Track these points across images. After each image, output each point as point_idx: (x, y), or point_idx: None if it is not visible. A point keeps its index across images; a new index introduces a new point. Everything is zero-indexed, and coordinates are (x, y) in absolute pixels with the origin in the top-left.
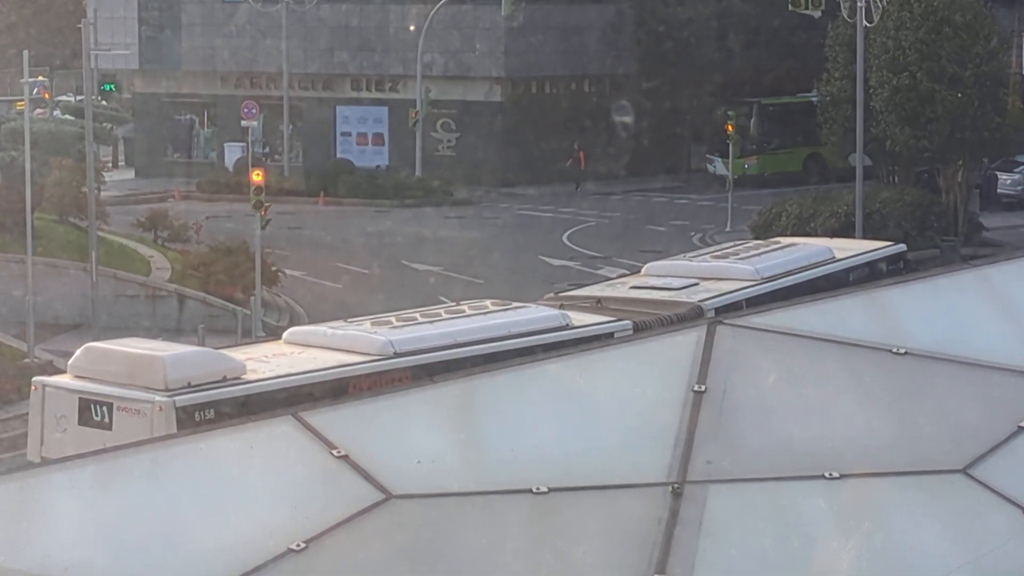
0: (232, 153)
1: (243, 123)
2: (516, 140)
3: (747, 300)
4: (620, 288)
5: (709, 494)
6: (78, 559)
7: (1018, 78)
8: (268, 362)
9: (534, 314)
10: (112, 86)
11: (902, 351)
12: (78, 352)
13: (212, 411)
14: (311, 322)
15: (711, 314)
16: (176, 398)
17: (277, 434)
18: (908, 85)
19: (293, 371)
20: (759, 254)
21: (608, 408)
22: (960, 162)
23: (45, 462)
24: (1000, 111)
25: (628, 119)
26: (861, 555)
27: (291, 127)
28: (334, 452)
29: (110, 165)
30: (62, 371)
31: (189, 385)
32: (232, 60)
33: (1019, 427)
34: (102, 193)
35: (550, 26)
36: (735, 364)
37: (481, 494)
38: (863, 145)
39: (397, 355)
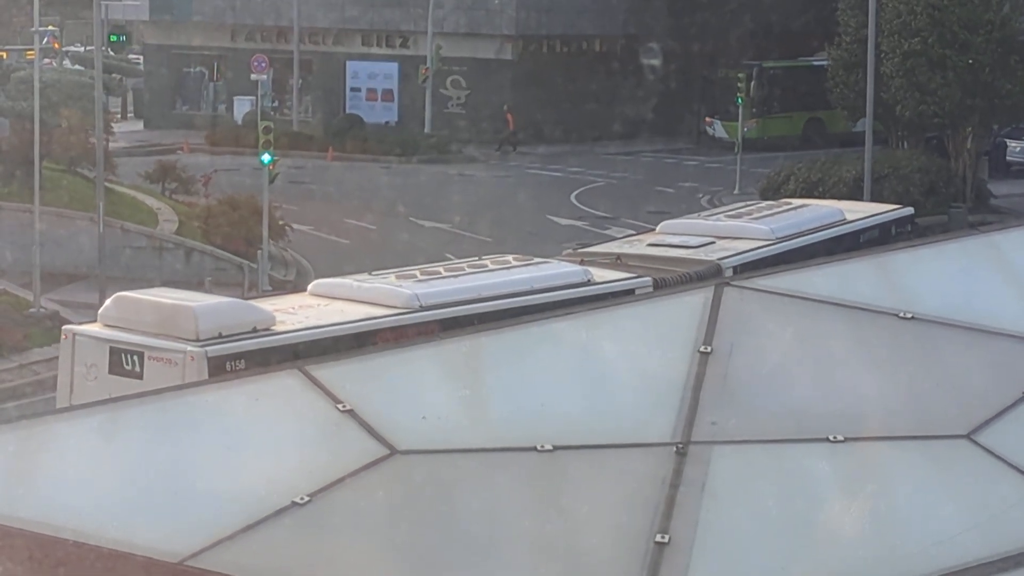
0: (241, 106)
1: (252, 77)
2: (526, 98)
3: (763, 259)
4: (637, 245)
5: (713, 455)
6: (82, 509)
7: None
8: (296, 314)
9: (556, 269)
10: (121, 37)
11: (909, 315)
12: (108, 301)
13: (243, 362)
14: (317, 277)
15: (729, 272)
16: (208, 348)
17: (283, 387)
18: (919, 50)
19: (321, 323)
20: (772, 214)
21: (614, 367)
22: (969, 129)
23: (55, 411)
24: (1011, 77)
25: (651, 69)
26: (864, 519)
27: (300, 82)
28: (340, 406)
29: (119, 116)
30: (67, 320)
31: (220, 336)
32: (243, 13)
33: None
34: (110, 144)
35: None
36: (741, 326)
37: (485, 451)
38: (872, 110)
39: (423, 308)
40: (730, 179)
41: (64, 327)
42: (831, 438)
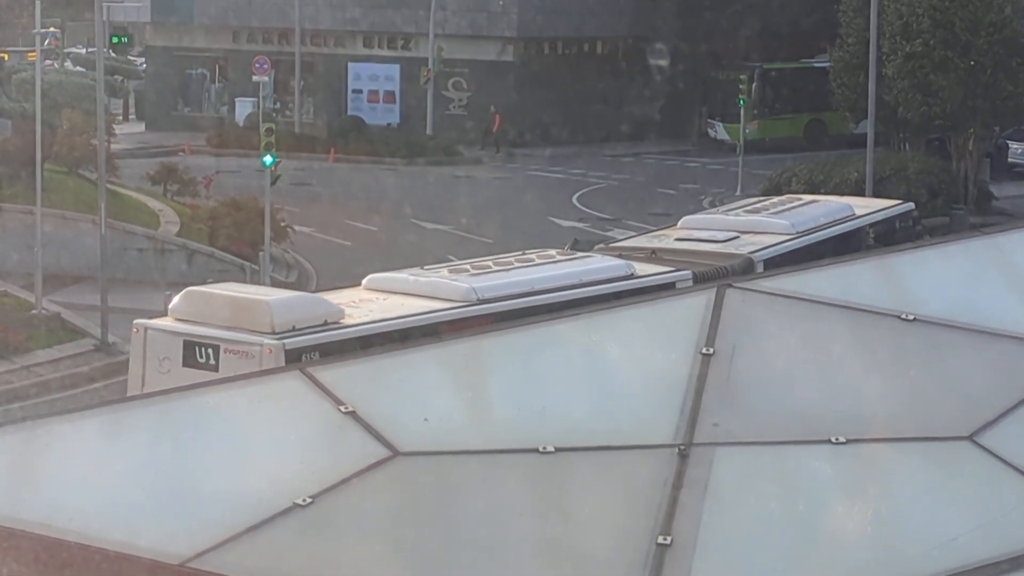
0: (243, 108)
1: (254, 78)
2: (527, 100)
3: (789, 253)
4: (665, 240)
5: (715, 456)
6: (85, 510)
7: None
8: (359, 307)
9: (601, 263)
10: (123, 38)
11: (911, 317)
12: (179, 296)
13: (316, 353)
14: (320, 279)
15: (760, 266)
16: (285, 340)
17: (285, 389)
18: (921, 52)
19: (387, 316)
20: (789, 209)
21: (616, 369)
22: (971, 130)
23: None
24: (1013, 80)
25: (653, 70)
26: (866, 520)
27: (302, 83)
28: (341, 408)
29: (120, 118)
30: (71, 324)
31: (294, 328)
32: (245, 15)
33: None
34: (112, 146)
35: None
36: (744, 327)
37: (487, 452)
38: (874, 112)
39: (480, 301)
40: (732, 181)
41: (135, 321)
42: (833, 440)
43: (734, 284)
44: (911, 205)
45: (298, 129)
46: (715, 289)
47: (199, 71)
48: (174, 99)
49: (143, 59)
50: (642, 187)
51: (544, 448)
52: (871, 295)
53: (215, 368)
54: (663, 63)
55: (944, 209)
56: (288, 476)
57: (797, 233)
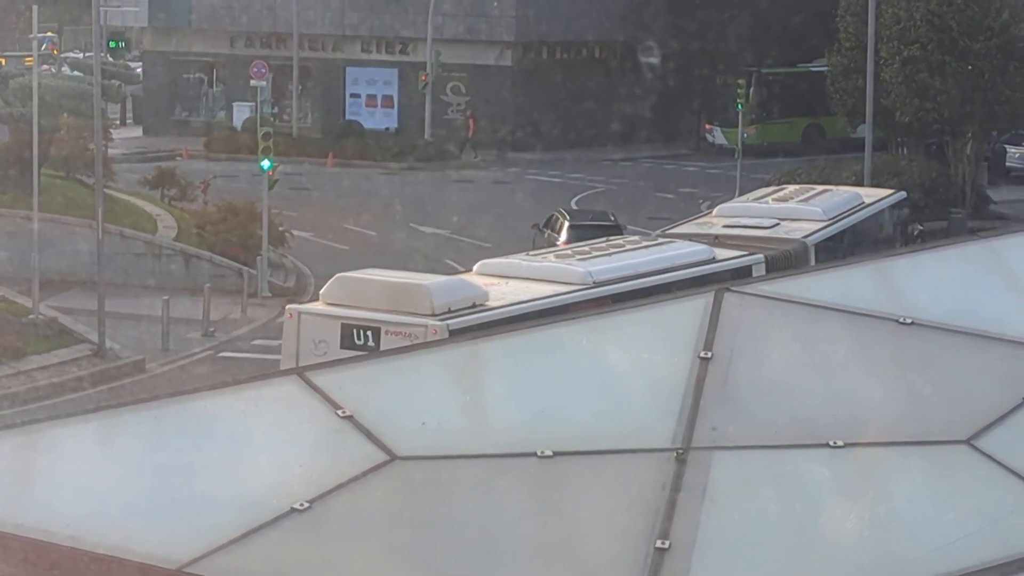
0: (240, 112)
1: (252, 83)
2: (525, 104)
3: (829, 238)
4: (712, 227)
5: (713, 460)
6: (80, 516)
7: None
8: (490, 291)
9: (687, 249)
10: (120, 43)
11: (908, 321)
12: (330, 282)
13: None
14: (317, 283)
15: (811, 249)
16: (448, 321)
17: (282, 393)
18: (918, 57)
19: (520, 299)
20: (815, 196)
21: (614, 373)
22: (969, 135)
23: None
24: (1010, 84)
25: (650, 74)
26: (864, 524)
27: (300, 88)
28: (339, 412)
29: (118, 122)
30: (68, 328)
31: (449, 311)
32: (242, 19)
33: None
34: (109, 150)
35: None
36: (742, 331)
37: (485, 457)
38: (872, 116)
39: (595, 284)
40: (730, 184)
41: (288, 306)
42: (831, 443)
43: (732, 288)
44: (904, 193)
45: (296, 134)
46: (713, 293)
47: (196, 75)
48: (171, 104)
49: (140, 64)
50: (640, 191)
51: (542, 452)
52: (868, 299)
53: (376, 349)
54: (660, 67)
55: (942, 213)
56: (286, 480)
57: (830, 219)
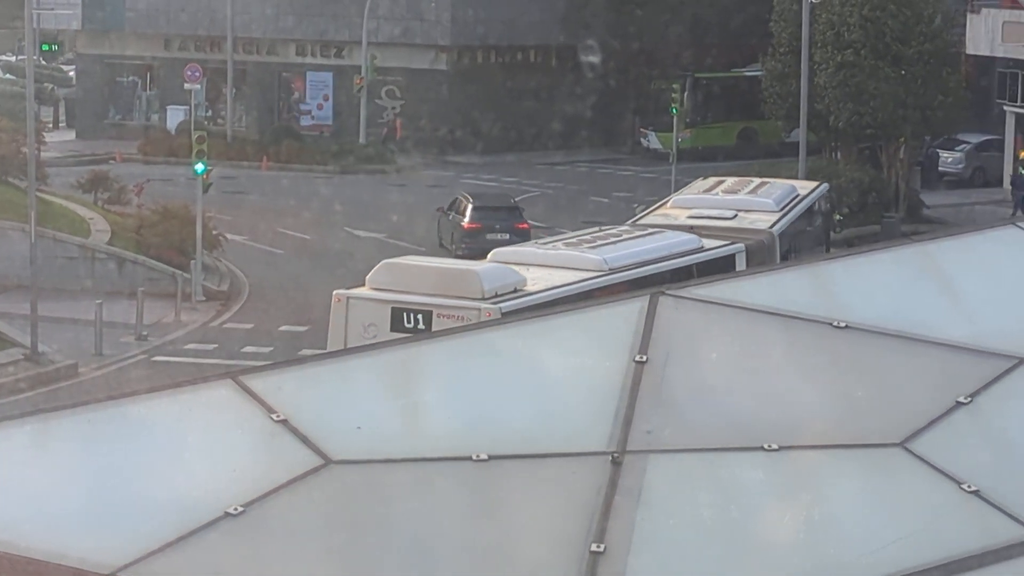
0: (174, 116)
1: (186, 86)
2: (462, 108)
3: (787, 228)
4: (674, 219)
5: (648, 464)
6: (13, 520)
7: (962, 57)
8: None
9: (680, 238)
10: (53, 46)
11: (843, 325)
12: (377, 268)
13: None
14: (252, 287)
15: (776, 238)
16: (500, 305)
17: (216, 397)
18: (852, 62)
19: (553, 284)
20: (760, 188)
21: (549, 377)
22: (902, 139)
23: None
24: (943, 89)
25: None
26: (799, 527)
27: (234, 91)
28: (273, 416)
29: (51, 125)
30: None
31: (496, 295)
32: (176, 22)
33: (957, 402)
34: (42, 153)
35: None
36: (677, 335)
37: (421, 460)
38: (806, 120)
39: (611, 271)
40: (665, 189)
41: (336, 291)
42: (766, 447)
43: (667, 292)
44: (827, 185)
45: (230, 137)
46: (648, 296)
47: (130, 79)
48: (105, 107)
49: (74, 66)
50: (576, 195)
51: (477, 456)
52: (803, 302)
53: (426, 332)
54: (596, 72)
55: (875, 217)
56: (219, 485)
57: (780, 209)
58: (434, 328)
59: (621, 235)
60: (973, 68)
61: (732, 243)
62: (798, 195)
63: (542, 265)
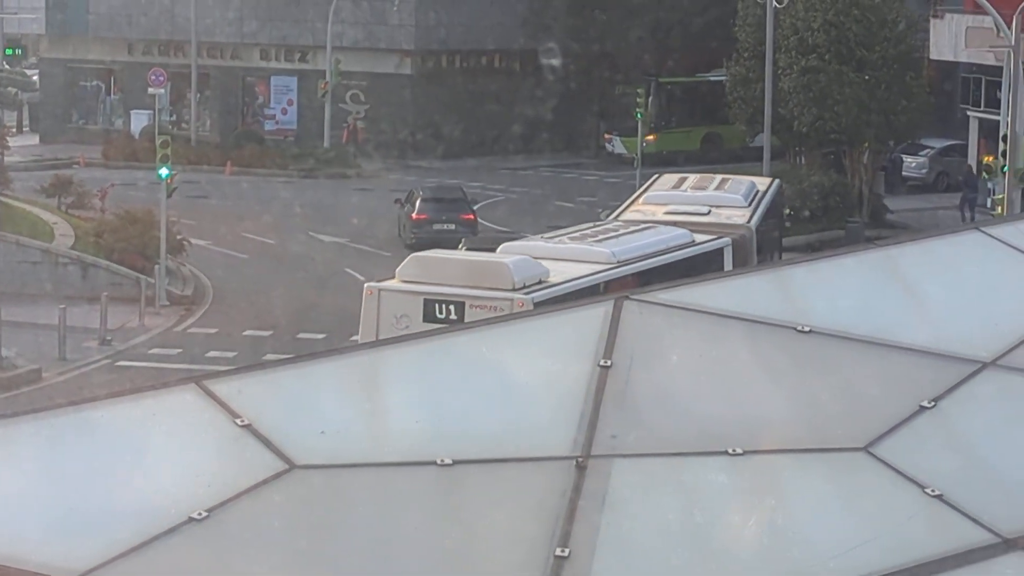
0: (138, 120)
1: (150, 90)
2: (425, 113)
3: (761, 222)
4: (653, 215)
5: (613, 468)
6: None
7: (926, 62)
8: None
9: (674, 232)
10: (15, 50)
11: (807, 329)
12: (406, 261)
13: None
14: (216, 292)
15: (755, 233)
16: (531, 295)
17: (180, 402)
18: (815, 67)
19: (571, 276)
20: (725, 184)
21: (514, 381)
22: (866, 144)
23: None
24: (906, 94)
25: (551, 83)
26: (762, 531)
27: (199, 96)
28: (237, 421)
29: (14, 130)
30: None
31: (525, 286)
32: (140, 27)
33: (920, 406)
34: (6, 158)
35: (462, 0)
36: (641, 339)
37: (385, 465)
38: (770, 125)
39: (619, 264)
40: (629, 193)
41: (367, 284)
42: (730, 451)
43: (631, 296)
44: (779, 181)
45: (194, 141)
46: (612, 301)
47: (94, 83)
48: (69, 111)
49: (37, 71)
50: (540, 200)
51: (442, 460)
52: (767, 307)
53: (459, 322)
54: (558, 75)
55: (839, 222)
56: (183, 490)
57: (748, 204)
58: (467, 318)
59: (619, 230)
60: (936, 73)
61: (719, 237)
62: (759, 191)
63: (554, 259)
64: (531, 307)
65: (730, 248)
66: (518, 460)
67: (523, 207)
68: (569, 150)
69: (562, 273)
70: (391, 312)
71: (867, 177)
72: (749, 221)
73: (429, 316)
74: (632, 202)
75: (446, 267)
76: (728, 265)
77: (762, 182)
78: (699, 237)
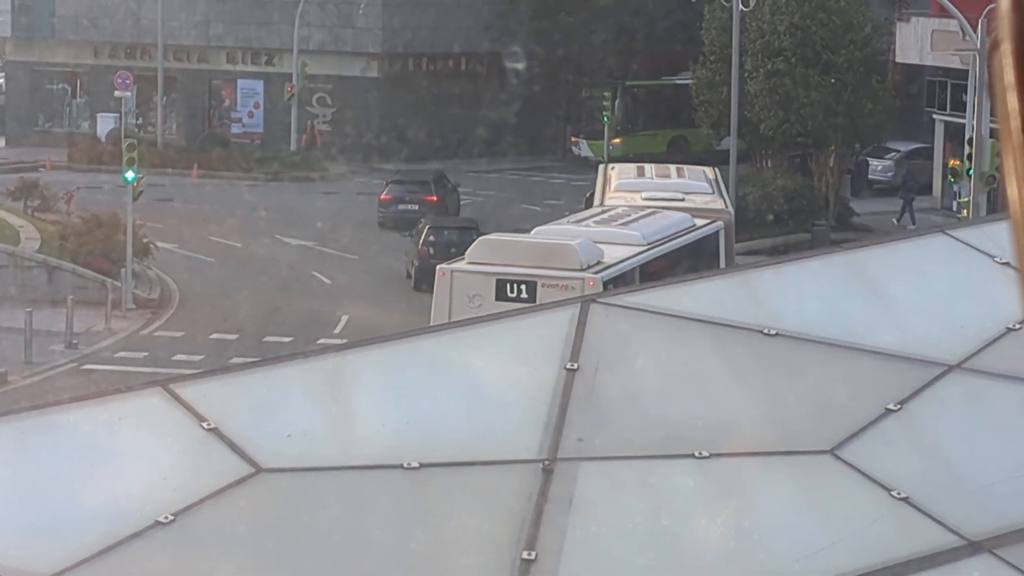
0: (105, 123)
1: (116, 93)
2: (391, 116)
3: (726, 210)
4: (634, 202)
5: (579, 471)
6: None
7: (892, 65)
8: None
9: (678, 216)
10: None
11: (773, 332)
12: (475, 244)
13: (612, 285)
14: (182, 295)
15: (732, 218)
16: (600, 274)
17: (146, 406)
18: (782, 70)
19: (619, 258)
20: (684, 172)
21: (481, 385)
22: (832, 147)
23: None
24: (872, 98)
25: (517, 86)
26: (729, 533)
27: (165, 99)
28: (204, 425)
29: None
30: None
31: (590, 266)
32: (107, 30)
33: (886, 409)
34: None
35: (427, 3)
36: (608, 343)
37: (351, 469)
38: (736, 128)
39: (648, 246)
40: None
41: (440, 266)
42: (697, 454)
43: (598, 299)
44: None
45: (161, 145)
46: (579, 304)
47: (60, 86)
48: (34, 114)
49: (2, 74)
50: (507, 203)
51: (408, 464)
52: (734, 310)
53: (530, 300)
54: (523, 79)
55: (805, 225)
56: (150, 493)
57: (715, 191)
58: (539, 299)
59: (630, 215)
60: (902, 76)
61: (712, 222)
62: (709, 176)
63: (595, 242)
64: (600, 287)
65: (722, 231)
66: (485, 463)
67: (490, 210)
68: (534, 153)
69: (609, 255)
70: (463, 292)
71: (833, 180)
72: (727, 206)
73: (501, 295)
74: (604, 190)
75: (515, 249)
76: (721, 247)
77: (708, 170)
78: (698, 221)
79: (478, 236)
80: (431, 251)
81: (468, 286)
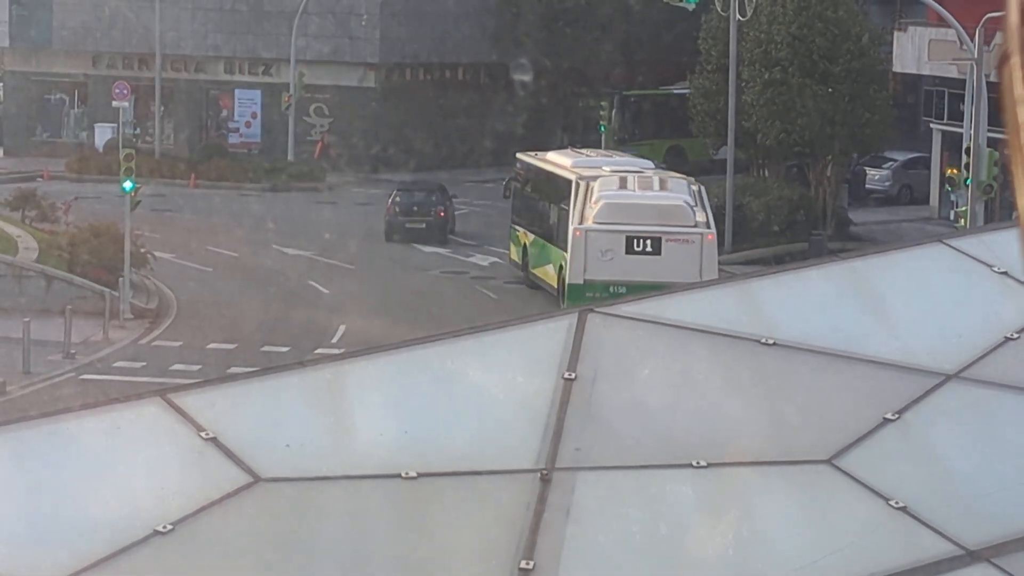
0: (102, 134)
1: (114, 104)
2: (389, 126)
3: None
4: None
5: (577, 481)
6: None
7: (890, 74)
8: None
9: (681, 180)
10: None
11: (771, 342)
12: (600, 206)
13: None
14: (180, 305)
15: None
16: (712, 229)
17: (145, 415)
18: (779, 80)
19: (700, 221)
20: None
21: (479, 394)
22: (829, 157)
23: None
24: (870, 107)
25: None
26: (727, 543)
27: (163, 109)
28: (202, 434)
29: None
30: None
31: (699, 223)
32: (105, 40)
33: (884, 418)
34: None
35: (425, 13)
36: (606, 352)
37: (350, 478)
38: (734, 138)
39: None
40: None
41: (575, 226)
42: (695, 464)
43: (595, 309)
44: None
45: (159, 154)
46: (577, 314)
47: (58, 96)
48: (33, 125)
49: (1, 84)
50: (504, 213)
51: (407, 474)
52: (731, 319)
53: (657, 253)
54: (526, 89)
55: (803, 234)
56: (149, 503)
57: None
58: (664, 251)
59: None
60: (900, 86)
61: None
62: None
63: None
64: (715, 241)
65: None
66: (483, 473)
67: (488, 220)
68: None
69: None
70: (597, 248)
71: (831, 190)
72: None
73: (630, 249)
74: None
75: (636, 210)
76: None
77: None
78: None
79: (442, 198)
80: (397, 209)
81: (602, 243)
